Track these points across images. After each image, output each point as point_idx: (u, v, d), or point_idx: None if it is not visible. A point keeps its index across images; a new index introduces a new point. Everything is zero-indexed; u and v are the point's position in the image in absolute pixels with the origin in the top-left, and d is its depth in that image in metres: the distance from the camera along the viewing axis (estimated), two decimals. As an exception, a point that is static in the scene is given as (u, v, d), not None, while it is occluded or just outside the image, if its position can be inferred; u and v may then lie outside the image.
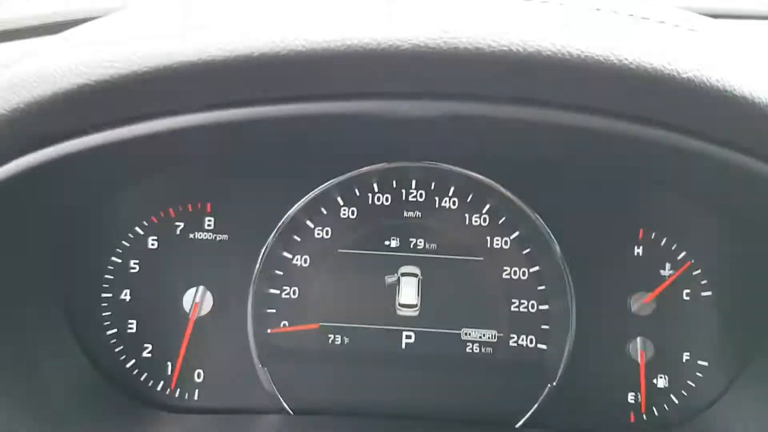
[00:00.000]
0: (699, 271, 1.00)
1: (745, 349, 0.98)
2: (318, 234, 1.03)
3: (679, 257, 1.00)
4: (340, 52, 0.55)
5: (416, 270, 1.02)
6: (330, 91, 0.59)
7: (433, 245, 1.03)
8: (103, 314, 1.02)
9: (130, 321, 1.02)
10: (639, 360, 0.99)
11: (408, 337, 1.03)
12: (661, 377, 1.01)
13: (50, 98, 0.62)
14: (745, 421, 0.92)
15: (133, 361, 1.02)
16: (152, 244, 1.03)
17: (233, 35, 0.58)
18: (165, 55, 0.57)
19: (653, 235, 1.01)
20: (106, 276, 1.02)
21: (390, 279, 1.01)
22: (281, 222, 1.01)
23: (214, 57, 0.56)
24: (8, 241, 0.81)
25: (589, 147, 0.82)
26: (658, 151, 0.72)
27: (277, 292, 1.03)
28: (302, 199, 1.01)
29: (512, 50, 0.54)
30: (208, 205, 1.03)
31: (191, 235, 1.03)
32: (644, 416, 1.00)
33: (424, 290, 1.02)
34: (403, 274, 1.02)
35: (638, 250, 1.01)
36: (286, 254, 1.03)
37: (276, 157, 0.98)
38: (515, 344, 1.02)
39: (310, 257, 1.03)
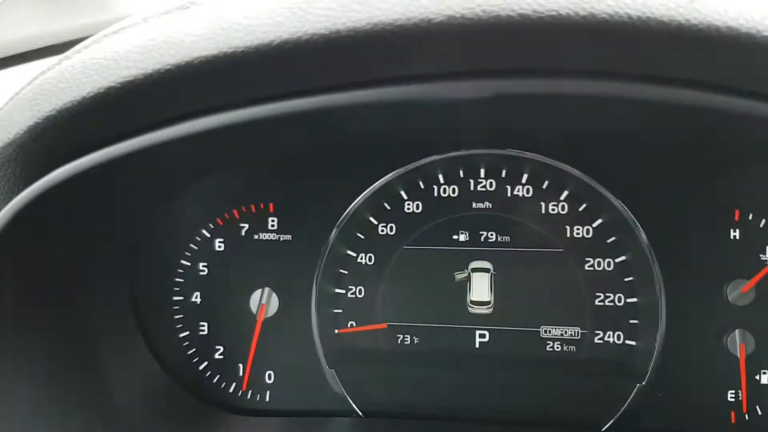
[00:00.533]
0: (807, 255, 0.90)
1: None
2: (382, 230, 1.00)
3: (783, 241, 0.90)
4: (391, 34, 0.51)
5: (488, 265, 0.97)
6: (381, 75, 0.55)
7: (506, 238, 0.97)
8: (175, 317, 1.02)
9: (201, 323, 1.02)
10: (738, 354, 0.90)
11: (482, 336, 0.97)
12: (764, 373, 0.92)
13: (115, 90, 0.60)
14: None
15: (206, 363, 1.02)
16: (219, 246, 1.02)
17: (286, 26, 0.55)
18: (229, 45, 0.54)
19: (750, 216, 0.91)
20: (176, 279, 1.02)
21: (460, 275, 0.96)
22: (342, 219, 0.98)
23: (280, 43, 0.53)
24: (76, 244, 0.81)
25: (673, 122, 0.74)
26: (750, 123, 0.63)
27: (343, 291, 1.00)
28: (362, 194, 0.97)
29: (563, 15, 0.48)
30: (271, 205, 1.01)
31: (256, 236, 1.02)
32: (746, 416, 0.91)
33: (497, 286, 0.96)
34: (474, 270, 0.97)
35: (734, 234, 0.92)
36: (350, 252, 1.00)
37: (335, 153, 0.95)
38: (601, 341, 0.95)
39: (374, 255, 1.00)
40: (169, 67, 0.57)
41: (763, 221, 0.91)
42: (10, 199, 0.65)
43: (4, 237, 0.64)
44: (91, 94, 0.60)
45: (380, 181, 0.97)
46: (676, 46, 0.50)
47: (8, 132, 0.63)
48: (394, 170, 0.96)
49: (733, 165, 0.90)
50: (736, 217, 0.92)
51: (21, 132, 0.63)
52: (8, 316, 0.71)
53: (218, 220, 1.02)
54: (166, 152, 0.69)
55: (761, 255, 0.91)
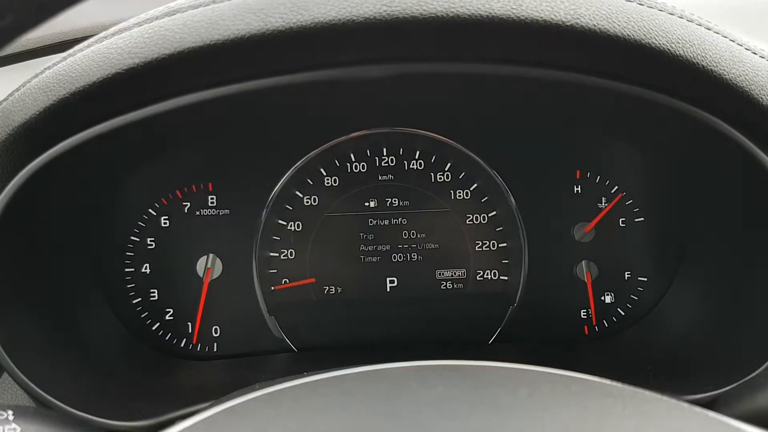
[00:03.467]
0: (630, 201, 1.19)
1: (675, 262, 1.16)
2: (307, 202, 1.20)
3: (612, 191, 1.19)
4: (311, 30, 0.71)
5: None
6: (297, 64, 0.76)
7: (406, 202, 1.21)
8: (128, 286, 1.18)
9: (152, 290, 1.19)
10: (586, 280, 1.17)
11: (391, 281, 1.21)
12: (607, 294, 1.19)
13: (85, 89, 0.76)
14: (678, 316, 1.11)
15: (158, 324, 1.18)
16: (164, 223, 1.19)
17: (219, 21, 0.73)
18: (166, 42, 0.72)
19: (588, 174, 1.19)
20: (128, 253, 1.18)
21: None
22: (273, 194, 1.18)
23: (210, 42, 0.72)
24: (46, 222, 0.97)
25: (527, 99, 1.00)
26: (581, 96, 0.89)
27: (276, 254, 1.20)
28: (288, 172, 1.18)
29: (440, 15, 0.71)
30: (210, 185, 1.19)
31: (197, 212, 1.19)
32: (596, 328, 1.19)
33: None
34: None
35: (577, 188, 1.19)
36: (281, 221, 1.20)
37: (263, 138, 1.15)
38: (481, 278, 1.20)
39: (302, 223, 1.20)
40: (129, 65, 0.75)
41: (598, 177, 1.19)
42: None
43: None
44: (76, 88, 0.77)
45: (302, 160, 1.18)
46: (502, 34, 0.73)
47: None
48: (314, 150, 1.17)
49: (575, 135, 1.17)
50: (578, 176, 1.19)
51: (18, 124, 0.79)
52: None
53: (163, 200, 1.19)
54: (118, 138, 0.86)
55: (598, 203, 1.19)
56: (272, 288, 1.20)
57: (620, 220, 1.19)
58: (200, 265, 1.19)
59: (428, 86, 0.95)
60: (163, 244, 1.20)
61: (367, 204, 1.21)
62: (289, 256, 1.21)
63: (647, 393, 0.48)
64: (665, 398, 0.47)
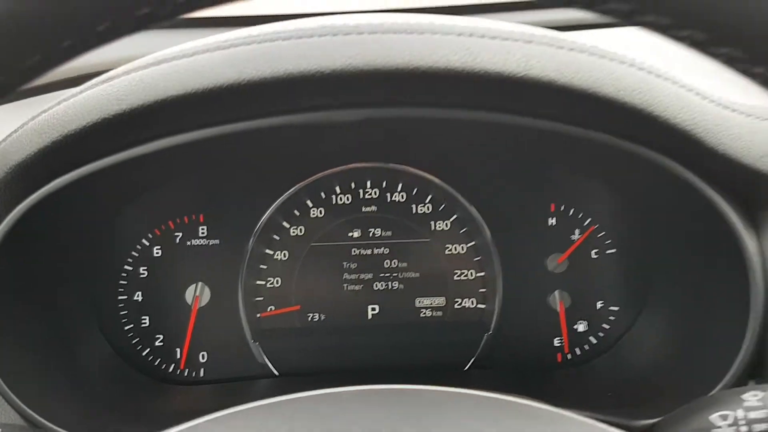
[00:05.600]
0: (603, 233, 1.24)
1: (645, 292, 1.20)
2: (293, 232, 1.26)
3: (585, 223, 1.24)
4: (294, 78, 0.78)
5: None
6: (282, 107, 0.83)
7: (388, 233, 1.26)
8: (121, 313, 1.23)
9: (143, 317, 1.24)
10: (558, 309, 1.22)
11: (373, 309, 1.25)
12: (580, 323, 1.24)
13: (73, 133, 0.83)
14: (646, 341, 1.15)
15: (148, 349, 1.23)
16: (157, 253, 1.25)
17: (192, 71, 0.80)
18: (167, 91, 0.79)
19: (563, 207, 1.24)
20: (121, 281, 1.23)
21: None
22: (260, 224, 1.24)
23: (191, 90, 0.79)
24: (44, 253, 1.03)
25: (497, 140, 1.06)
26: (549, 139, 0.96)
27: (263, 282, 1.25)
28: (274, 204, 1.23)
29: (400, 67, 0.77)
30: (201, 216, 1.25)
31: (188, 242, 1.25)
32: (568, 356, 1.23)
33: None
34: None
35: (552, 221, 1.24)
36: (267, 251, 1.25)
37: (249, 172, 1.21)
38: (459, 306, 1.25)
39: (288, 252, 1.26)
40: (116, 111, 0.82)
41: (572, 211, 1.24)
42: None
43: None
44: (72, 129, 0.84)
45: (288, 192, 1.23)
46: (458, 83, 0.80)
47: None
48: (299, 183, 1.23)
49: (548, 171, 1.23)
50: (552, 209, 1.25)
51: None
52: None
53: (156, 231, 1.25)
54: (111, 175, 0.92)
55: (572, 235, 1.24)
56: (258, 315, 1.25)
57: (593, 251, 1.24)
58: (189, 292, 1.24)
59: (407, 127, 1.02)
60: (155, 273, 1.25)
61: (350, 234, 1.26)
62: (275, 284, 1.26)
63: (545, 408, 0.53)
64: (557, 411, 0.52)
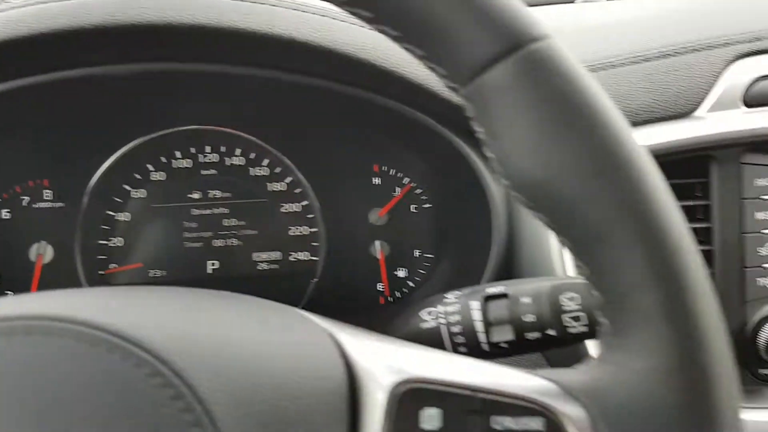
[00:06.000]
0: (420, 191, 1.39)
1: (457, 242, 1.37)
2: (134, 195, 1.34)
3: (404, 182, 1.39)
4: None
5: None
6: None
7: (228, 194, 1.37)
8: None
9: None
10: (379, 257, 1.36)
11: (213, 264, 1.36)
12: (400, 269, 1.38)
13: None
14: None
15: None
16: (6, 215, 1.31)
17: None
18: None
19: (384, 167, 1.38)
20: None
21: None
22: (91, 185, 1.31)
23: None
24: None
25: (317, 108, 1.20)
26: (350, 103, 1.10)
27: (106, 242, 1.33)
28: (107, 162, 1.31)
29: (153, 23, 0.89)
30: (45, 181, 1.32)
31: (35, 205, 1.32)
32: (390, 298, 1.37)
33: None
34: None
35: (376, 180, 1.39)
36: (109, 212, 1.33)
37: (89, 136, 1.29)
38: (294, 259, 1.37)
39: (131, 214, 1.34)
40: None
41: (393, 171, 1.39)
42: None
43: None
44: None
45: (121, 150, 1.30)
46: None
47: None
48: (134, 141, 1.31)
49: (370, 136, 1.37)
50: (376, 169, 1.39)
51: None
52: None
53: (4, 195, 1.31)
54: None
55: (393, 192, 1.39)
56: (99, 272, 1.32)
57: (412, 206, 1.39)
58: (32, 251, 1.30)
59: (239, 94, 1.14)
60: (3, 234, 1.31)
61: (190, 196, 1.36)
62: (118, 244, 1.34)
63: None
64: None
